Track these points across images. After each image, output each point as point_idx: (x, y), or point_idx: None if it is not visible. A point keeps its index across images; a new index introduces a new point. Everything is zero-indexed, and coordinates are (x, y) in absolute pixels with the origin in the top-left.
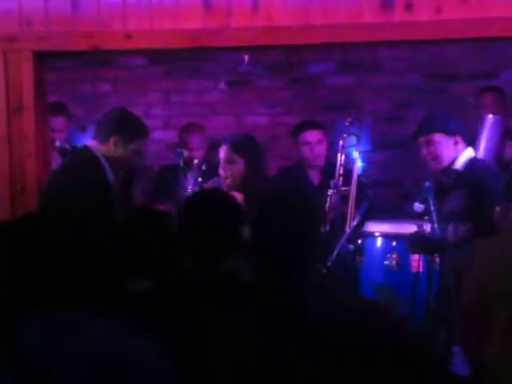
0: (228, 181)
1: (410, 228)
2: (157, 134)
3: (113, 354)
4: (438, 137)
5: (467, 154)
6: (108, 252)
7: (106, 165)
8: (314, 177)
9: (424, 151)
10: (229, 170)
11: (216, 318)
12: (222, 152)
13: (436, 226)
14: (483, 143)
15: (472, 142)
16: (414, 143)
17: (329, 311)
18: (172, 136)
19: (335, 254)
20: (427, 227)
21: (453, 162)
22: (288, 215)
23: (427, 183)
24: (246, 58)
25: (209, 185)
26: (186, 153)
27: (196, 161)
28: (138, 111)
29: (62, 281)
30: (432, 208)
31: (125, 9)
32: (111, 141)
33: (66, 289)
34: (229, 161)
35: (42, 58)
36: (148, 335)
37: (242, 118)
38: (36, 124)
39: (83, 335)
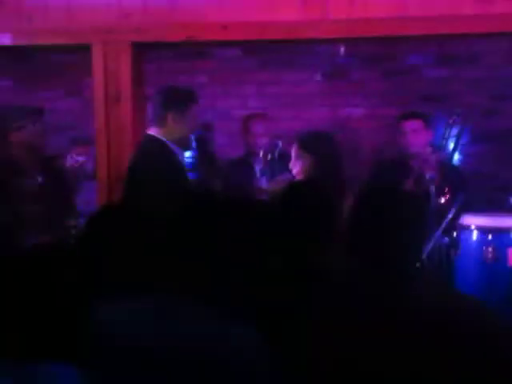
0: (298, 177)
1: (507, 221)
2: None
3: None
4: None
5: None
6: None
7: (173, 146)
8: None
9: None
10: (297, 165)
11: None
12: (293, 149)
13: None
14: None
15: None
16: None
17: (421, 306)
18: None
19: (430, 247)
20: None
21: None
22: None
23: None
24: (342, 49)
25: (280, 180)
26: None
27: (261, 151)
28: (234, 103)
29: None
30: None
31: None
32: (169, 119)
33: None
34: (297, 157)
35: (139, 50)
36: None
37: (337, 110)
38: (133, 114)
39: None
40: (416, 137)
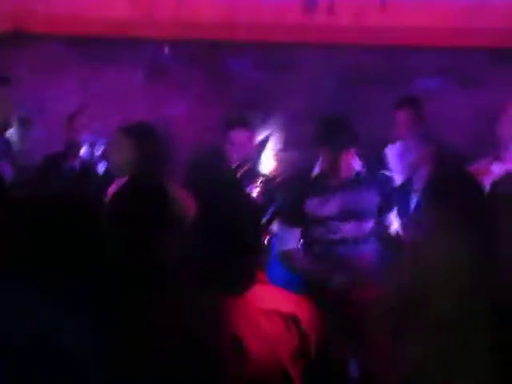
0: (119, 165)
1: None
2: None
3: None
4: None
5: None
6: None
7: None
8: None
9: None
10: (120, 155)
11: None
12: (115, 138)
13: None
14: None
15: None
16: None
17: None
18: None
19: None
20: None
21: None
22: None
23: None
24: (166, 49)
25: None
26: None
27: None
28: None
29: None
30: None
31: None
32: None
33: None
34: (120, 146)
35: None
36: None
37: (157, 109)
38: None
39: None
40: (242, 148)
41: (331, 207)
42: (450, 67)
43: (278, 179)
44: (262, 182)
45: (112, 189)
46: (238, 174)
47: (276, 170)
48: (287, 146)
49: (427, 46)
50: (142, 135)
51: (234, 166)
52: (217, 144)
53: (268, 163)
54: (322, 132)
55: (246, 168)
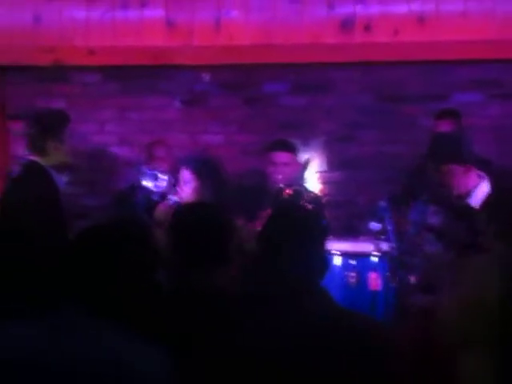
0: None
1: (367, 247)
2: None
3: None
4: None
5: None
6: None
7: (53, 172)
8: None
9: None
10: (187, 189)
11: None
12: (182, 173)
13: (394, 245)
14: None
15: None
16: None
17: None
18: (128, 152)
19: None
20: (384, 246)
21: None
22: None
23: (383, 202)
24: (207, 76)
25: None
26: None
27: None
28: (92, 128)
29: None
30: (389, 227)
31: (87, 24)
32: (50, 148)
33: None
34: (188, 181)
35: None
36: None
37: (196, 137)
38: None
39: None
40: (285, 169)
41: (414, 215)
42: (490, 80)
43: (324, 199)
44: (308, 201)
45: (161, 210)
46: (285, 195)
47: (321, 190)
48: (330, 167)
49: (466, 59)
50: (212, 174)
51: (279, 187)
52: (259, 168)
53: (312, 184)
54: (434, 147)
55: (292, 189)
